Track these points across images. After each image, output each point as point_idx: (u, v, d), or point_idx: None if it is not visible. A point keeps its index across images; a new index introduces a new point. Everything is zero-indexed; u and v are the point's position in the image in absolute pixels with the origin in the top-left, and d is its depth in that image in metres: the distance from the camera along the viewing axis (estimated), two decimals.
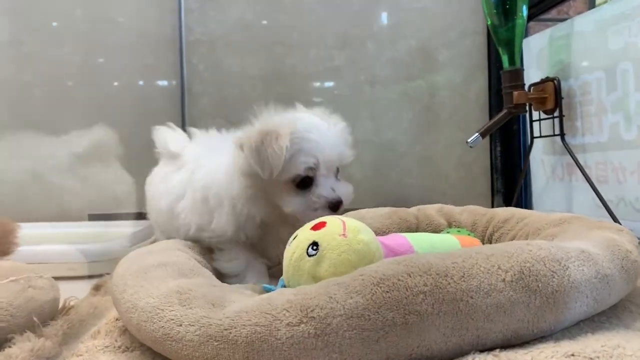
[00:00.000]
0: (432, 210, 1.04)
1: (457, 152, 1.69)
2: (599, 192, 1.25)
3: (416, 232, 1.02)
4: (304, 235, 0.57)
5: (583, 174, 1.28)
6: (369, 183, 1.64)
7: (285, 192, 0.70)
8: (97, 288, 0.86)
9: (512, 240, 0.93)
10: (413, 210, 1.04)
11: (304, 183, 0.70)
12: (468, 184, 1.71)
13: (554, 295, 0.50)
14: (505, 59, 1.41)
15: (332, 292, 0.47)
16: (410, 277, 0.48)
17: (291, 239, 0.59)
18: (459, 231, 0.89)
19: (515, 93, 1.35)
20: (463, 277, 0.49)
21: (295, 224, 0.66)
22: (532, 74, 1.52)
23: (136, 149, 1.63)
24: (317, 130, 0.71)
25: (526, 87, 1.40)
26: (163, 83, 1.65)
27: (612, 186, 1.24)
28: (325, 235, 0.56)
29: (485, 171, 1.71)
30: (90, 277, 1.05)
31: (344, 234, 0.56)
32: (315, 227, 0.57)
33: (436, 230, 1.01)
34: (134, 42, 1.64)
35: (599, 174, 1.29)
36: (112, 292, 0.61)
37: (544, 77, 1.41)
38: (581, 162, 1.30)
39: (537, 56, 1.54)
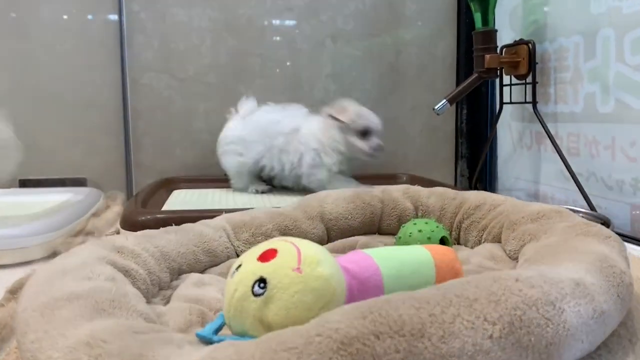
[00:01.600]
0: (397, 192, 0.95)
1: (423, 114, 1.60)
2: (569, 164, 1.18)
3: (381, 217, 0.93)
4: (249, 267, 0.46)
5: (554, 145, 1.21)
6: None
7: (356, 137, 1.24)
8: (13, 292, 0.74)
9: (483, 230, 0.86)
10: (377, 192, 0.95)
11: (365, 133, 1.24)
12: (432, 148, 1.63)
13: (547, 349, 0.42)
14: (477, 17, 1.30)
15: None
16: (379, 339, 0.39)
17: (233, 267, 0.48)
18: (426, 223, 0.81)
19: (487, 56, 1.26)
20: (443, 337, 0.40)
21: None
22: (504, 35, 1.42)
23: (73, 108, 1.47)
24: (368, 112, 1.27)
25: (498, 49, 1.30)
26: (100, 34, 1.47)
27: (583, 159, 1.18)
28: (275, 270, 0.45)
29: (450, 135, 1.63)
30: (23, 264, 0.93)
31: (298, 268, 0.45)
32: (264, 257, 0.46)
33: (402, 215, 0.92)
34: None
35: (570, 145, 1.22)
36: (15, 329, 0.50)
37: (517, 38, 1.32)
38: (552, 132, 1.23)
39: (510, 15, 1.43)
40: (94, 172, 1.47)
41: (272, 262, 0.46)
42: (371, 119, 1.25)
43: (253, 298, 0.45)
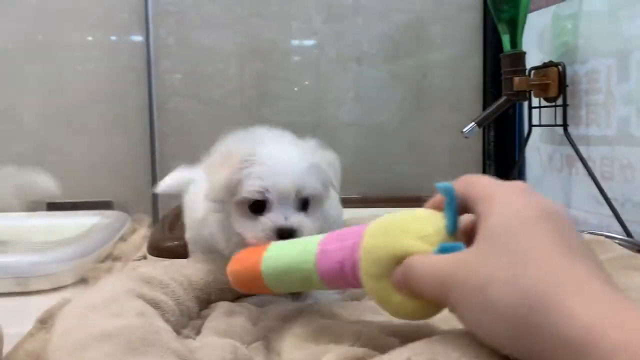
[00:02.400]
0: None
1: (449, 136, 1.58)
2: (602, 188, 1.15)
3: None
4: None
5: (586, 168, 1.18)
6: (355, 170, 1.52)
7: (240, 215, 0.68)
8: (44, 321, 0.73)
9: None
10: None
11: (258, 207, 0.67)
12: (459, 170, 1.59)
13: None
14: (505, 40, 1.28)
15: None
16: None
17: None
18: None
19: (516, 79, 1.24)
20: None
21: None
22: (532, 56, 1.40)
23: (99, 131, 1.48)
24: (272, 156, 0.68)
25: (527, 71, 1.28)
26: (126, 58, 1.48)
27: (618, 184, 1.15)
28: None
29: (477, 157, 1.61)
30: (52, 290, 0.92)
31: None
32: None
33: None
34: (94, 13, 1.47)
35: (604, 169, 1.19)
36: None
37: (546, 60, 1.30)
38: (584, 155, 1.20)
39: (538, 36, 1.42)
40: (121, 195, 1.47)
41: None
42: (273, 175, 0.66)
43: None
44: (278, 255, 0.57)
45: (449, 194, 0.42)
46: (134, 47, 1.48)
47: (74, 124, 1.47)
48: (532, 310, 0.32)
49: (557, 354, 0.31)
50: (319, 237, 0.54)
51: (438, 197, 0.45)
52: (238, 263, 0.62)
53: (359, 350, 0.49)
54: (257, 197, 0.66)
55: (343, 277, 0.49)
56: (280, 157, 0.68)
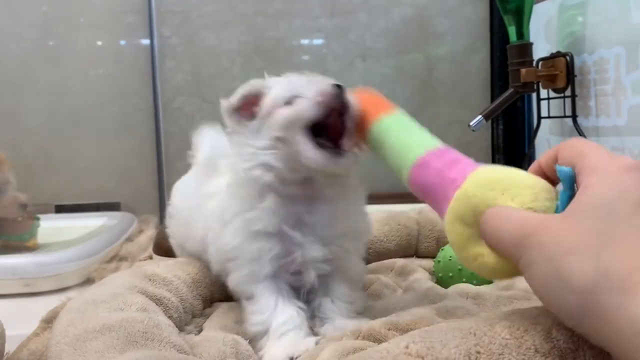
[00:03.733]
0: (434, 213, 0.92)
1: (457, 130, 1.57)
2: None
3: (418, 239, 0.90)
4: None
5: None
6: (362, 166, 1.51)
7: (301, 137, 0.59)
8: (48, 321, 0.73)
9: None
10: (413, 214, 0.92)
11: (318, 125, 0.59)
12: None
13: None
14: (512, 31, 1.26)
15: None
16: None
17: None
18: None
19: (523, 70, 1.22)
20: None
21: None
22: (539, 47, 1.38)
23: (105, 133, 1.49)
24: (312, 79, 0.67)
25: (534, 63, 1.26)
26: (132, 60, 1.49)
27: None
28: None
29: (485, 152, 1.59)
30: (59, 290, 0.93)
31: None
32: None
33: (441, 237, 0.89)
34: (99, 14, 1.47)
35: None
36: None
37: (553, 50, 1.28)
38: None
39: (545, 27, 1.39)
40: (128, 197, 1.48)
41: None
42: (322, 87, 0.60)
43: None
44: (392, 127, 0.57)
45: (569, 181, 0.41)
46: (138, 48, 1.48)
47: (80, 126, 1.48)
48: (608, 291, 0.31)
49: (626, 340, 0.30)
50: (430, 143, 0.54)
51: (549, 160, 0.43)
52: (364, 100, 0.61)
53: (358, 343, 0.48)
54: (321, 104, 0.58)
55: (429, 196, 0.50)
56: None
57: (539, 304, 0.41)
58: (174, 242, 0.84)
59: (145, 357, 0.44)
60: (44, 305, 0.76)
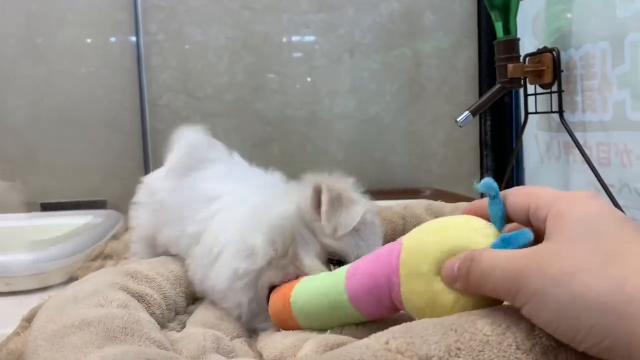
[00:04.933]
0: (419, 208, 0.92)
1: (445, 127, 1.57)
2: (599, 175, 1.13)
3: (403, 234, 0.89)
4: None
5: (583, 155, 1.16)
6: (350, 162, 1.51)
7: (317, 255, 0.62)
8: (29, 320, 0.72)
9: None
10: (399, 209, 0.92)
11: (337, 264, 0.61)
12: (456, 161, 1.59)
13: None
14: (498, 27, 1.26)
15: None
16: None
17: None
18: None
19: (510, 66, 1.22)
20: None
21: None
22: (526, 43, 1.38)
23: (89, 129, 1.47)
24: (372, 231, 0.65)
25: (521, 58, 1.26)
26: (117, 56, 1.47)
27: (615, 169, 1.13)
28: None
29: (474, 147, 1.59)
30: (41, 289, 0.91)
31: None
32: None
33: None
34: (83, 11, 1.45)
35: (601, 155, 1.18)
36: (25, 359, 0.48)
37: (540, 46, 1.28)
38: (581, 141, 1.18)
39: (532, 22, 1.40)
40: (114, 194, 1.47)
41: None
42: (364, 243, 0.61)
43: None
44: (307, 282, 0.56)
45: (492, 188, 0.41)
46: (124, 44, 1.47)
47: (66, 124, 1.46)
48: (631, 301, 0.32)
49: None
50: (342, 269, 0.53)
51: (474, 205, 0.45)
52: (274, 293, 0.59)
53: (341, 338, 0.48)
54: (346, 260, 0.60)
55: (376, 292, 0.47)
56: (374, 241, 0.64)
57: None
58: (141, 232, 0.81)
59: (123, 353, 0.43)
60: (25, 305, 0.75)
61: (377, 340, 0.38)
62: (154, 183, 0.82)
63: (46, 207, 1.44)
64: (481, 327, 0.39)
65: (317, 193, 0.61)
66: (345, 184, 0.64)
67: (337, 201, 0.60)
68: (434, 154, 1.58)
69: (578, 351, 0.38)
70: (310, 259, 0.60)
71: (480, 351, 0.37)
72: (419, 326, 0.40)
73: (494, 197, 0.42)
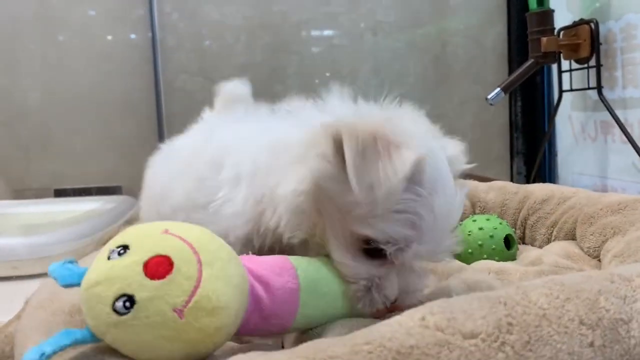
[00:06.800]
0: None
1: (473, 108, 1.49)
2: None
3: None
4: (130, 271, 0.36)
5: (625, 134, 1.09)
6: None
7: (347, 244, 0.46)
8: None
9: (553, 227, 0.75)
10: None
11: (376, 252, 0.45)
12: (485, 144, 1.52)
13: None
14: None
15: None
16: (446, 347, 0.29)
17: (115, 244, 0.38)
18: (487, 219, 0.71)
19: (544, 39, 1.14)
20: (528, 343, 0.30)
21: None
22: (560, 17, 1.30)
23: (103, 111, 1.43)
24: (443, 192, 0.45)
25: (555, 32, 1.19)
26: (132, 36, 1.43)
27: None
28: (153, 299, 0.35)
29: (504, 130, 1.52)
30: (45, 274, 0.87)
31: (180, 311, 0.35)
32: (153, 271, 0.35)
33: None
34: None
35: None
36: (14, 346, 0.44)
37: (575, 20, 1.20)
38: (621, 119, 1.10)
39: None
40: (129, 180, 1.42)
41: (158, 284, 0.35)
42: (432, 228, 0.45)
43: (112, 314, 0.35)
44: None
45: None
46: (137, 24, 1.42)
47: (80, 109, 1.42)
48: None
49: None
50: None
51: None
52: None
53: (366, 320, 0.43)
54: (389, 248, 0.44)
55: None
56: (447, 213, 0.45)
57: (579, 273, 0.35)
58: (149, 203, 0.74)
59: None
60: (32, 289, 0.71)
61: (411, 317, 0.32)
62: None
63: (60, 193, 1.40)
64: (535, 299, 0.33)
65: (339, 144, 0.43)
66: (382, 120, 0.44)
67: (370, 149, 0.41)
68: (461, 137, 1.50)
69: None
70: (338, 254, 0.46)
71: (536, 326, 0.31)
72: (461, 301, 0.34)
73: None
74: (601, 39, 1.14)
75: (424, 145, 0.44)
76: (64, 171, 1.41)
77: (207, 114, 0.82)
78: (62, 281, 0.38)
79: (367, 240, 0.44)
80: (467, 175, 1.34)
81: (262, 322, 0.41)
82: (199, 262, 0.37)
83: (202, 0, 1.42)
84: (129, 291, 0.35)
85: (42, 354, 0.33)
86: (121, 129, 1.43)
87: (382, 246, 0.44)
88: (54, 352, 0.34)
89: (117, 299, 0.35)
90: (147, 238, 0.38)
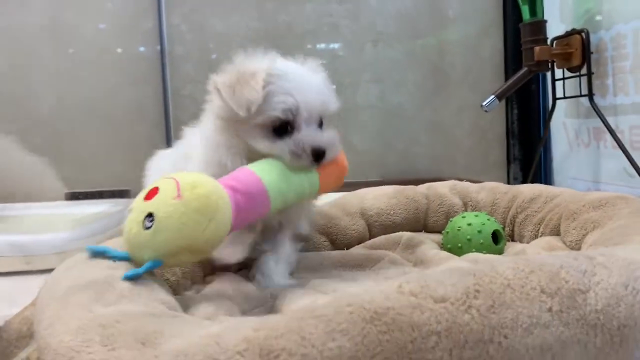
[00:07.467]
0: (444, 188, 0.89)
1: (470, 116, 1.54)
2: (633, 160, 1.09)
3: (427, 213, 0.87)
4: (137, 207, 0.51)
5: (615, 139, 1.12)
6: (373, 153, 1.49)
7: (263, 138, 0.62)
8: None
9: (539, 224, 0.79)
10: (422, 188, 0.89)
11: (283, 128, 0.61)
12: (482, 151, 1.56)
13: (620, 332, 0.36)
14: (525, 10, 1.24)
15: (306, 330, 0.33)
16: (418, 309, 0.34)
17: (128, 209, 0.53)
18: (476, 216, 0.75)
19: (537, 48, 1.19)
20: (492, 306, 0.34)
21: None
22: (553, 27, 1.34)
23: (114, 119, 1.48)
24: (296, 72, 0.64)
25: (548, 41, 1.23)
26: (141, 49, 1.48)
27: None
28: (159, 203, 0.50)
29: (500, 137, 1.56)
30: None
31: (178, 196, 0.50)
32: (148, 196, 0.51)
33: (450, 212, 0.86)
34: (108, 3, 1.47)
35: (634, 139, 1.13)
36: (33, 319, 0.48)
37: (567, 29, 1.24)
38: (612, 125, 1.14)
39: (559, 6, 1.36)
40: (138, 184, 1.47)
41: (155, 198, 0.50)
42: (303, 89, 0.62)
43: (145, 232, 0.49)
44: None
45: None
46: (147, 35, 1.48)
47: (91, 116, 1.47)
48: None
49: None
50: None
51: None
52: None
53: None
54: (289, 117, 0.60)
55: None
56: (304, 74, 0.64)
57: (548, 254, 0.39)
58: None
59: (130, 309, 0.42)
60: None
61: (389, 285, 0.36)
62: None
63: (71, 196, 1.45)
64: (502, 271, 0.37)
65: (219, 90, 0.61)
66: (240, 67, 0.62)
67: (237, 83, 0.60)
68: (458, 144, 1.55)
69: (608, 295, 0.36)
70: (261, 145, 0.61)
71: (500, 293, 0.35)
72: (435, 272, 0.38)
73: None
74: (592, 48, 1.18)
75: (267, 63, 0.62)
76: (74, 175, 1.46)
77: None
78: (114, 253, 0.51)
79: (271, 125, 0.60)
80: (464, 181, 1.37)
81: (246, 212, 0.55)
82: (175, 179, 0.52)
83: (209, 12, 1.47)
84: (145, 212, 0.50)
85: (136, 273, 0.48)
86: (130, 136, 1.48)
87: (281, 117, 0.60)
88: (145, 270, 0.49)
89: (143, 222, 0.49)
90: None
